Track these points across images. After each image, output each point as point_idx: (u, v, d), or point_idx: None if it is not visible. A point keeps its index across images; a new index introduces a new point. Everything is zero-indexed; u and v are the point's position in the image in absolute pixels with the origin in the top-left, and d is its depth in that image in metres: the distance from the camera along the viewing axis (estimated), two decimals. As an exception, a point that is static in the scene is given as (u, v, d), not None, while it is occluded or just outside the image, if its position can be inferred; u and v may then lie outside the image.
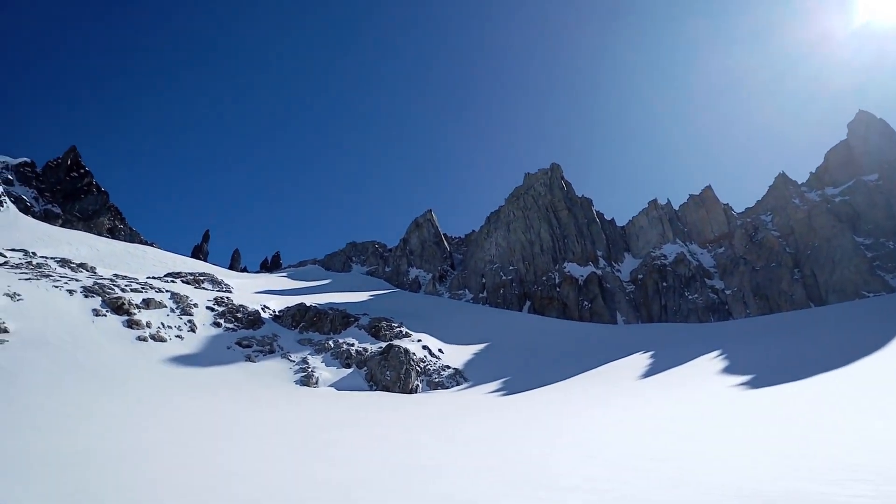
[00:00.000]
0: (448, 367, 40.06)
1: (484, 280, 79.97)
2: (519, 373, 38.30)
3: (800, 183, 75.43)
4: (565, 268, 73.52)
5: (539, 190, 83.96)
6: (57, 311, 32.39)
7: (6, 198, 76.06)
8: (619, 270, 75.48)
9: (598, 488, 8.69)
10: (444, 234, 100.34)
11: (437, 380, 37.72)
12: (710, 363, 33.18)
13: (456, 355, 43.48)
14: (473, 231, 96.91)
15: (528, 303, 72.67)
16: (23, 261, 44.49)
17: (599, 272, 72.08)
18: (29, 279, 36.70)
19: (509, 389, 32.67)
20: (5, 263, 41.73)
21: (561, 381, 33.95)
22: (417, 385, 36.47)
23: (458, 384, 37.52)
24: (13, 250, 49.76)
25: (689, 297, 66.52)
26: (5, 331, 27.02)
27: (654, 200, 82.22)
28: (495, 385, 35.19)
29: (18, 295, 32.42)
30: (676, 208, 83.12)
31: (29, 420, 16.48)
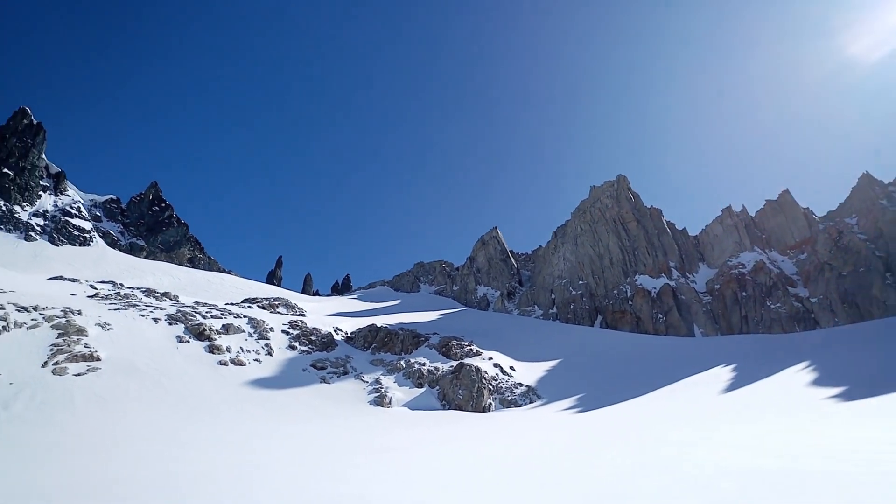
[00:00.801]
0: (520, 384, 39.54)
1: (553, 296, 78.82)
2: (593, 389, 37.37)
3: (886, 182, 70.76)
4: (637, 280, 71.48)
5: (606, 202, 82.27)
6: (144, 338, 34.13)
7: (95, 233, 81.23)
8: (693, 281, 72.66)
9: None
10: (511, 251, 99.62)
11: (509, 398, 37.27)
12: (797, 375, 31.41)
13: (528, 373, 42.90)
14: (540, 247, 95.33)
15: (599, 317, 71.04)
16: (112, 292, 47.26)
17: (673, 283, 69.64)
18: (118, 309, 38.87)
19: (584, 406, 31.90)
20: (96, 295, 44.43)
21: (638, 397, 32.91)
22: (490, 403, 36.15)
23: (531, 402, 36.96)
24: (103, 282, 53.04)
25: (772, 306, 63.20)
26: (97, 359, 28.61)
27: (729, 207, 78.95)
28: (569, 402, 34.45)
29: (108, 324, 34.35)
30: (752, 214, 79.56)
31: (123, 446, 17.28)
